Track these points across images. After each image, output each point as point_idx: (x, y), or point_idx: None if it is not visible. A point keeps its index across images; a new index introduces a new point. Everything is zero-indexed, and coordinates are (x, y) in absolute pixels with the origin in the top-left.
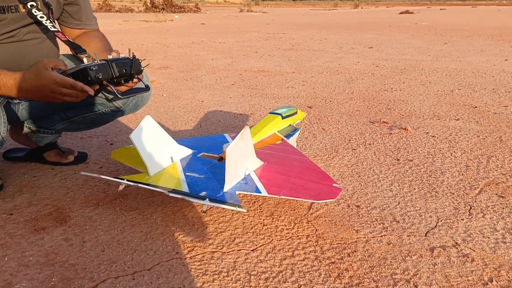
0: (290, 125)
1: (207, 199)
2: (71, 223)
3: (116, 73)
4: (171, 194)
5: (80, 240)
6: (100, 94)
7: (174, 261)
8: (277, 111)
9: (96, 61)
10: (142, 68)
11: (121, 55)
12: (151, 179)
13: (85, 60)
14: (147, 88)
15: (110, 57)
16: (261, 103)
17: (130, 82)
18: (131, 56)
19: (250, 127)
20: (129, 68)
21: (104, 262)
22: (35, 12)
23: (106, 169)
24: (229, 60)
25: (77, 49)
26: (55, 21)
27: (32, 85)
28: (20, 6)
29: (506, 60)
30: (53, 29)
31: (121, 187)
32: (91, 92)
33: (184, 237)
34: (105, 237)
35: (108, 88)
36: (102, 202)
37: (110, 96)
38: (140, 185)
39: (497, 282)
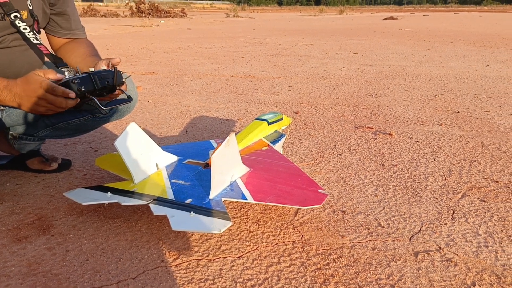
0: (276, 131)
1: (192, 212)
2: (54, 231)
3: (99, 85)
4: (152, 209)
5: (63, 249)
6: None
7: (160, 270)
8: (263, 117)
9: (78, 74)
10: (123, 80)
11: (102, 68)
12: (136, 186)
13: (66, 73)
14: (129, 99)
15: (91, 69)
16: (247, 109)
17: (113, 93)
18: (112, 68)
19: (236, 133)
20: (111, 80)
21: (88, 272)
22: (18, 23)
23: (91, 177)
24: (215, 65)
25: (58, 63)
26: (40, 30)
27: (21, 88)
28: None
29: (488, 65)
30: (35, 41)
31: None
32: (73, 95)
33: (169, 245)
34: (89, 245)
35: (90, 101)
36: (86, 210)
37: (100, 113)
38: (123, 203)
39: (480, 286)
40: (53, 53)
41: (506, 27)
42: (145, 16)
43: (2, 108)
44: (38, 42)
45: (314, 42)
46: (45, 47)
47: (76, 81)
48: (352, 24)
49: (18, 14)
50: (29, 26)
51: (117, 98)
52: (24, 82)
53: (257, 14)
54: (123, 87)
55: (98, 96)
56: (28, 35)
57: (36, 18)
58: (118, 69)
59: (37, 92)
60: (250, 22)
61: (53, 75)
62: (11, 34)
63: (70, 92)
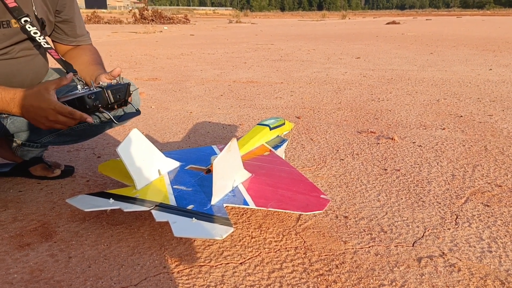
0: (278, 136)
1: (194, 218)
2: (56, 238)
3: (112, 100)
4: (154, 215)
5: (66, 255)
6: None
7: (162, 276)
8: (265, 122)
9: (92, 88)
10: (131, 92)
11: (113, 81)
12: (138, 192)
13: (79, 87)
14: (138, 112)
15: (104, 84)
16: (249, 114)
17: (122, 106)
18: (122, 81)
19: (238, 139)
20: (123, 94)
21: (90, 278)
22: (29, 27)
23: (93, 183)
24: (218, 71)
25: (68, 69)
26: (47, 37)
27: (30, 104)
28: (12, 21)
29: (491, 69)
30: (46, 45)
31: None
32: (90, 120)
33: (171, 251)
34: (91, 252)
35: (103, 113)
36: (88, 216)
37: (105, 118)
38: (125, 210)
39: None
40: (63, 58)
41: (509, 31)
42: (148, 22)
43: (6, 115)
44: (48, 46)
45: (316, 47)
46: (56, 51)
47: (91, 96)
48: (355, 29)
49: (28, 19)
50: (38, 31)
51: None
52: (33, 98)
53: (259, 20)
54: (129, 99)
55: (109, 110)
56: (39, 39)
57: (44, 23)
58: (129, 83)
59: (47, 112)
60: (253, 28)
61: (66, 80)
62: (17, 43)
63: (88, 117)
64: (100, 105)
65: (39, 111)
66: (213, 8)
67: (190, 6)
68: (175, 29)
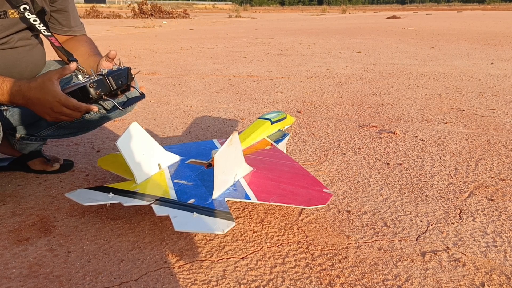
0: (279, 130)
1: (195, 212)
2: (56, 233)
3: (114, 86)
4: (155, 210)
5: (65, 250)
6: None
7: (162, 271)
8: (266, 116)
9: (92, 77)
10: (133, 76)
11: (113, 67)
12: (138, 187)
13: (80, 77)
14: (142, 96)
15: (104, 71)
16: (250, 108)
17: (127, 92)
18: (122, 66)
19: (239, 133)
20: (125, 79)
21: (90, 273)
22: (28, 15)
23: (93, 177)
24: (218, 65)
25: (69, 57)
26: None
27: (35, 96)
28: (9, 11)
29: (492, 63)
30: (46, 33)
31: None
32: (96, 109)
33: (172, 245)
34: (90, 247)
35: (107, 101)
36: (88, 211)
37: (109, 107)
38: (125, 204)
39: (489, 286)
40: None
41: (510, 25)
42: (147, 17)
43: (5, 108)
44: (49, 34)
45: (316, 42)
46: (56, 39)
47: (93, 85)
48: (355, 24)
49: (27, 6)
50: (38, 18)
51: (130, 96)
52: (38, 90)
53: (259, 15)
54: (132, 83)
55: (113, 96)
56: (39, 26)
57: (45, 12)
58: (129, 67)
59: (53, 104)
60: (253, 22)
61: (68, 70)
62: (16, 33)
63: (94, 107)
64: (103, 93)
65: (44, 103)
66: (212, 2)
67: (189, 0)
68: (175, 23)
